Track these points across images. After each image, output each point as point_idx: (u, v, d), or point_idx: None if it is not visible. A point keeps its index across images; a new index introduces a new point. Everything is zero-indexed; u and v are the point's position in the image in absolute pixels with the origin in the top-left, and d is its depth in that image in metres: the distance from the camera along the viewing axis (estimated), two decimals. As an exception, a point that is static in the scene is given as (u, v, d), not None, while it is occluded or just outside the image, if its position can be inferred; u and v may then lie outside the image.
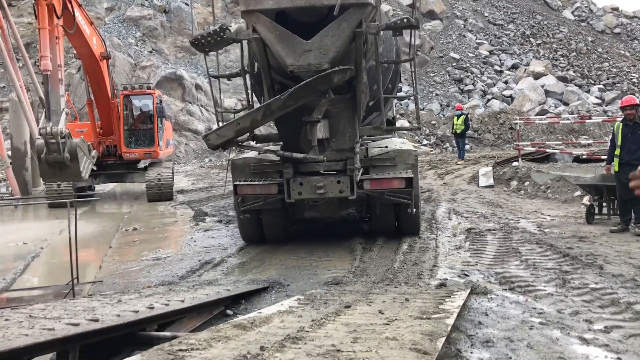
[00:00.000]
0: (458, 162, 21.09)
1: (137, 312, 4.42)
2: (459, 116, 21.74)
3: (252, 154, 8.23)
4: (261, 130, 8.41)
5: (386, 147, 8.45)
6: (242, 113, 7.62)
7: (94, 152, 9.73)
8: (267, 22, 6.60)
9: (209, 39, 7.66)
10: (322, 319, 3.94)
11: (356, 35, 6.73)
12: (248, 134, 7.72)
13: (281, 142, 7.90)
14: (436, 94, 38.75)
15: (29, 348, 3.41)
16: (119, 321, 4.14)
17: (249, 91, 8.52)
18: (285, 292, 6.10)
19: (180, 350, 3.07)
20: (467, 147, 24.21)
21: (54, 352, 4.09)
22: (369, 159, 8.08)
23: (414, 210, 8.07)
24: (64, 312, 4.50)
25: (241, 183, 7.98)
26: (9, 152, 18.67)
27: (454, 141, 23.62)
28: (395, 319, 3.94)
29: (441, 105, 37.41)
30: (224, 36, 7.37)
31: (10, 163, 17.49)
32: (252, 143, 8.14)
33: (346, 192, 7.40)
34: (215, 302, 5.29)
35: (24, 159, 17.89)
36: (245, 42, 7.80)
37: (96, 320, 4.09)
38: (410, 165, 8.07)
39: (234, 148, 7.53)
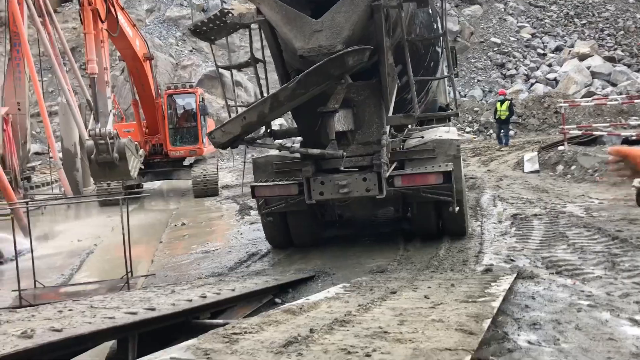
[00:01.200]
0: (502, 149, 20.65)
1: (190, 301, 4.61)
2: (502, 102, 21.16)
3: (274, 151, 7.63)
4: (286, 124, 8.13)
5: (422, 137, 7.56)
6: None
7: (141, 151, 10.08)
8: (272, 2, 5.95)
9: (210, 25, 7.19)
10: (368, 304, 4.03)
11: (374, 10, 6.02)
12: (265, 130, 7.17)
13: (301, 138, 7.33)
14: (478, 80, 38.14)
15: (92, 335, 3.62)
16: (174, 309, 4.34)
17: (261, 82, 7.71)
18: (331, 281, 6.22)
19: (234, 333, 3.22)
20: (511, 132, 23.76)
21: (115, 340, 4.32)
22: (403, 151, 7.19)
23: (457, 208, 7.05)
24: (122, 302, 4.72)
25: (258, 184, 7.21)
26: (60, 154, 19.39)
27: (496, 128, 22.72)
28: (441, 303, 4.00)
29: (483, 91, 36.83)
30: (227, 21, 6.85)
31: (62, 164, 18.16)
32: (270, 140, 7.39)
33: (374, 190, 6.47)
34: (264, 291, 5.45)
35: (74, 160, 18.56)
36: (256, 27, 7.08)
37: (153, 309, 4.29)
38: (451, 156, 7.05)
39: (247, 146, 6.78)
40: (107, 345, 4.67)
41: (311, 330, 3.17)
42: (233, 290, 5.12)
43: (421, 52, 7.79)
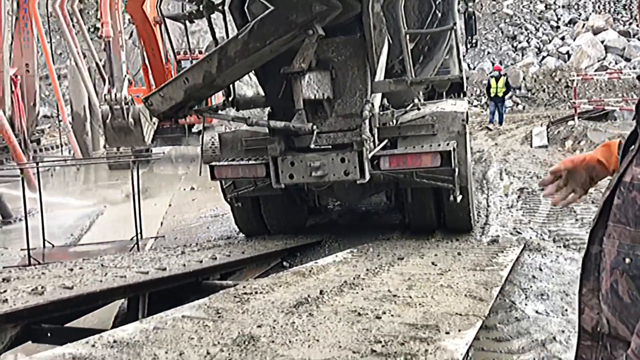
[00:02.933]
0: (498, 127, 19.33)
1: (201, 262, 4.66)
2: (497, 78, 19.85)
3: (245, 125, 6.32)
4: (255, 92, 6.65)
5: (418, 109, 6.16)
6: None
7: (154, 118, 10.06)
8: None
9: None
10: (376, 268, 4.06)
11: None
12: (226, 98, 6.06)
13: (268, 108, 6.16)
14: (488, 52, 37.68)
15: (104, 293, 3.67)
16: (184, 270, 4.38)
17: (217, 35, 6.26)
18: (338, 246, 6.26)
19: (245, 293, 3.25)
20: (519, 107, 23.24)
21: (125, 299, 4.39)
22: (395, 127, 5.84)
23: (459, 197, 5.70)
24: (133, 262, 4.78)
25: (219, 164, 6.01)
26: (69, 117, 19.40)
27: (492, 106, 20.72)
28: (449, 270, 4.02)
29: (493, 63, 36.40)
30: None
31: (71, 127, 18.18)
32: (229, 111, 6.17)
33: (353, 173, 5.24)
34: (272, 254, 5.49)
35: (84, 123, 18.56)
36: None
37: (163, 269, 4.33)
38: (454, 133, 5.75)
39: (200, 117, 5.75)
40: (117, 305, 4.75)
41: (321, 292, 3.19)
42: (242, 252, 5.17)
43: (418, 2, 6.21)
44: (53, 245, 7.42)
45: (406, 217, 6.84)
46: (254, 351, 2.25)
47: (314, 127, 5.32)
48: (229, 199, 6.57)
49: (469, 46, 10.30)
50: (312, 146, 5.37)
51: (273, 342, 2.36)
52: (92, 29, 26.62)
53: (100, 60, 17.98)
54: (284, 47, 4.97)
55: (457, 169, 5.45)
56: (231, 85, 5.97)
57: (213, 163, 6.12)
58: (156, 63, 15.80)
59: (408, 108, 6.20)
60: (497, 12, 40.46)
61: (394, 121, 5.89)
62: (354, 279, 3.67)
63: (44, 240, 7.36)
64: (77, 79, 18.01)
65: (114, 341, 2.36)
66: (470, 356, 3.20)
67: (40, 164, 8.83)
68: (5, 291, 3.37)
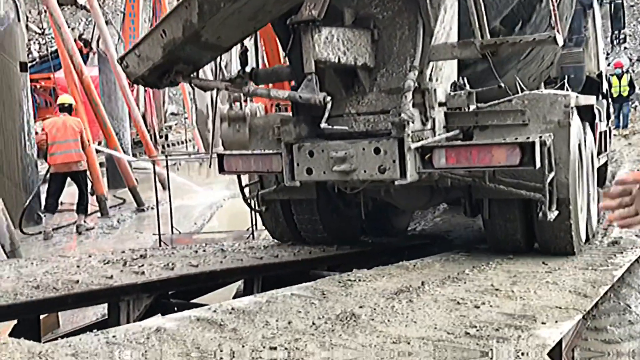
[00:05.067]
0: (623, 133, 16.25)
1: (310, 252, 4.92)
2: (619, 76, 17.47)
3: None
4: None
5: (499, 87, 4.58)
6: None
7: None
8: None
9: None
10: (482, 265, 4.08)
11: None
12: (242, 68, 4.73)
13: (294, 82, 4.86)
14: (625, 48, 35.16)
15: (223, 272, 4.04)
16: (294, 258, 4.66)
17: None
18: (449, 247, 6.26)
19: (349, 280, 3.44)
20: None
21: (242, 280, 4.74)
22: (472, 113, 4.42)
23: (553, 213, 4.20)
24: (249, 249, 5.14)
25: (229, 153, 4.96)
26: (194, 115, 20.80)
27: (616, 107, 16.70)
28: (558, 269, 3.96)
29: (630, 59, 33.92)
30: None
31: (196, 125, 19.48)
32: (244, 83, 4.59)
33: (391, 170, 3.88)
34: (385, 250, 5.64)
35: (206, 121, 19.80)
36: None
37: (276, 257, 4.65)
38: (553, 124, 4.31)
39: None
40: (234, 287, 5.13)
41: (422, 283, 3.31)
42: (350, 247, 5.38)
43: None
44: (180, 232, 8.10)
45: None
46: (354, 326, 2.43)
47: (327, 97, 3.76)
48: (249, 202, 5.33)
49: (615, 42, 8.76)
50: (324, 124, 3.80)
51: (373, 320, 2.53)
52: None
53: (223, 60, 19.05)
54: None
55: (549, 172, 4.07)
56: (238, 50, 4.82)
57: (222, 152, 5.21)
58: (275, 64, 16.52)
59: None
60: (636, 5, 37.67)
61: (469, 106, 4.46)
62: (457, 274, 3.73)
63: (171, 227, 8.06)
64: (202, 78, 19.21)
65: (232, 309, 2.65)
66: (576, 356, 3.17)
67: (169, 158, 9.56)
68: (142, 265, 3.82)
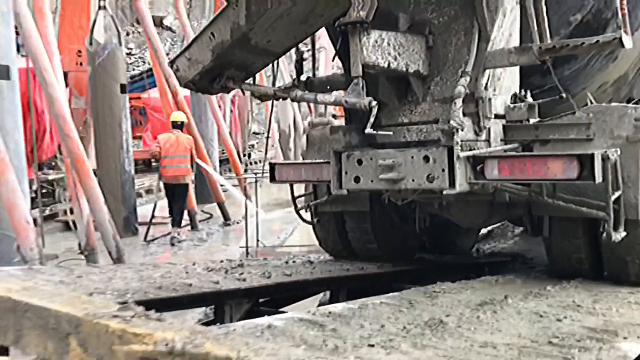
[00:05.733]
0: None
1: (393, 266, 5.15)
2: None
3: (337, 122, 5.37)
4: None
5: (561, 98, 4.24)
6: None
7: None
8: None
9: None
10: (564, 283, 4.17)
11: None
12: (297, 76, 4.61)
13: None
14: None
15: (314, 281, 4.37)
16: (379, 271, 4.91)
17: None
18: (529, 265, 6.32)
19: (434, 291, 3.66)
20: None
21: (325, 291, 5.03)
22: (532, 126, 4.20)
23: (619, 234, 3.86)
24: (334, 261, 5.43)
25: (280, 163, 5.11)
26: (277, 134, 21.54)
27: None
28: (642, 290, 4.00)
29: None
30: None
31: (279, 144, 20.16)
32: (295, 90, 4.33)
33: (440, 180, 3.75)
34: (458, 267, 5.80)
35: (288, 140, 20.46)
36: None
37: (361, 269, 4.91)
38: (621, 139, 4.01)
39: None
40: (317, 299, 5.44)
41: (505, 297, 3.47)
42: (431, 261, 5.57)
43: None
44: (264, 245, 8.54)
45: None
46: (443, 331, 2.65)
47: (373, 101, 3.58)
48: (300, 213, 5.32)
49: None
50: (368, 130, 3.61)
51: (459, 327, 2.74)
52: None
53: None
54: None
55: (615, 190, 3.78)
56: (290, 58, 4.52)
57: (274, 161, 5.24)
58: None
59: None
60: None
61: (529, 119, 4.24)
62: (539, 290, 3.85)
63: (257, 240, 8.53)
64: (285, 101, 19.91)
65: (329, 312, 2.95)
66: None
67: (257, 176, 10.04)
68: (242, 273, 4.20)
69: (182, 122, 10.05)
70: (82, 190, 7.28)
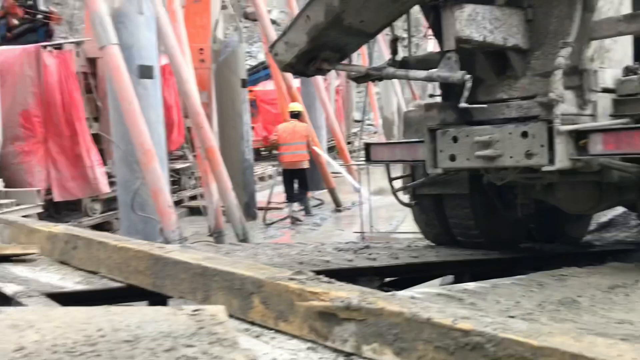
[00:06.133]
0: None
1: (516, 251, 5.26)
2: None
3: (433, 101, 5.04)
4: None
5: None
6: None
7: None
8: None
9: None
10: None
11: None
12: (392, 56, 4.54)
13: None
14: None
15: (440, 264, 4.61)
16: (502, 256, 5.03)
17: None
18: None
19: (562, 275, 3.76)
20: None
21: (452, 275, 5.22)
22: None
23: None
24: (456, 247, 5.61)
25: (375, 142, 4.96)
26: (380, 121, 21.79)
27: None
28: None
29: None
30: None
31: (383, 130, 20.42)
32: (391, 70, 4.35)
33: (539, 156, 3.62)
34: (574, 254, 5.73)
35: (391, 126, 20.61)
36: None
37: (485, 254, 5.05)
38: None
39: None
40: (436, 283, 5.65)
41: (636, 281, 3.54)
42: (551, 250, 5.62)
43: None
44: (378, 231, 8.84)
45: None
46: (577, 309, 2.81)
47: (466, 75, 3.55)
48: (397, 195, 5.24)
49: None
50: (462, 104, 3.56)
51: (593, 306, 2.89)
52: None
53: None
54: None
55: None
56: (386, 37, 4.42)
57: (369, 142, 5.19)
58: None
59: None
60: None
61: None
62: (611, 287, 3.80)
63: (371, 226, 8.84)
64: (388, 86, 20.04)
65: (464, 289, 3.19)
66: None
67: (367, 164, 10.34)
68: (371, 254, 4.52)
69: (299, 112, 10.66)
70: (213, 177, 7.91)
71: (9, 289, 2.50)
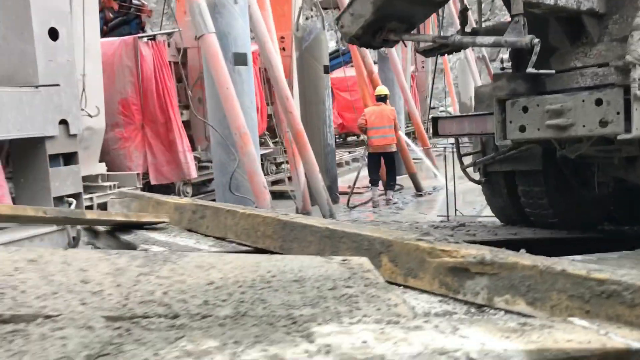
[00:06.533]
0: None
1: (602, 232, 5.20)
2: None
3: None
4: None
5: None
6: None
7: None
8: None
9: None
10: None
11: None
12: (461, 27, 4.47)
13: None
14: None
15: (537, 240, 4.62)
16: (588, 235, 4.97)
17: None
18: None
19: None
20: None
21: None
22: None
23: None
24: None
25: (443, 116, 4.89)
26: (457, 106, 21.52)
27: None
28: None
29: None
30: None
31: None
32: (458, 37, 4.10)
33: (614, 124, 3.35)
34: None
35: (469, 112, 20.34)
36: None
37: (568, 233, 5.01)
38: None
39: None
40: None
41: None
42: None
43: None
44: (462, 214, 8.87)
45: None
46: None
47: (535, 39, 3.32)
48: (467, 172, 5.15)
49: None
50: (530, 71, 3.37)
51: None
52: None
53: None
54: None
55: None
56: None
57: (436, 116, 5.02)
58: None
59: None
60: None
61: None
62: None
63: (455, 210, 8.89)
64: (466, 71, 19.76)
65: (573, 259, 3.25)
66: None
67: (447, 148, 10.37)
68: (469, 230, 4.65)
69: (386, 95, 10.78)
70: (301, 160, 8.18)
71: (156, 249, 2.80)
